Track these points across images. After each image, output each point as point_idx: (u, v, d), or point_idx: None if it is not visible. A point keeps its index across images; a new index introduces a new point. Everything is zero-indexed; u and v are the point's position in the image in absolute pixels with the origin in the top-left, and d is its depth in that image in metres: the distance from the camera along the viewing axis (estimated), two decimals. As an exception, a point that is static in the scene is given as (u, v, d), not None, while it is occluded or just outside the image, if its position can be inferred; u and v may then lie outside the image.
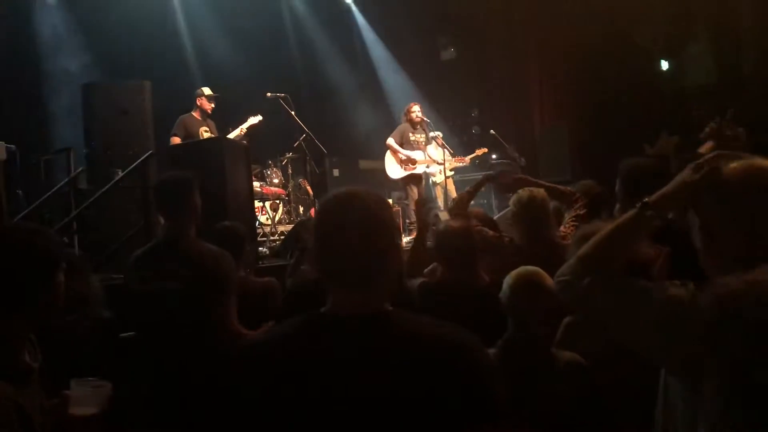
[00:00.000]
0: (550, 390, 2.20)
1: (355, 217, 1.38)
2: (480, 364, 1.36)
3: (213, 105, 7.84)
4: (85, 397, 1.94)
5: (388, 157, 8.56)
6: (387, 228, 1.43)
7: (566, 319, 2.49)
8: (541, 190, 3.56)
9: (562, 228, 3.61)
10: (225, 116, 8.26)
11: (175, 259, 2.98)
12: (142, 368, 3.05)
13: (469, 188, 4.13)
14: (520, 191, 3.56)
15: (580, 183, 3.96)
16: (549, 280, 2.40)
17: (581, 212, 3.66)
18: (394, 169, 8.56)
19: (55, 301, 1.93)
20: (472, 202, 10.32)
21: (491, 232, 3.69)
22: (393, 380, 1.29)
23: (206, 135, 7.65)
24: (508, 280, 2.43)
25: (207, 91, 7.85)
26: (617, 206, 3.39)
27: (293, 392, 1.31)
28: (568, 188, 3.85)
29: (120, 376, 2.74)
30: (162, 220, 3.49)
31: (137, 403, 3.02)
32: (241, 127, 7.99)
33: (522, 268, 2.48)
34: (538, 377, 2.23)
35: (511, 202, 3.60)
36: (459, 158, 8.86)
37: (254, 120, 8.03)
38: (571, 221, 3.61)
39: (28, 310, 1.85)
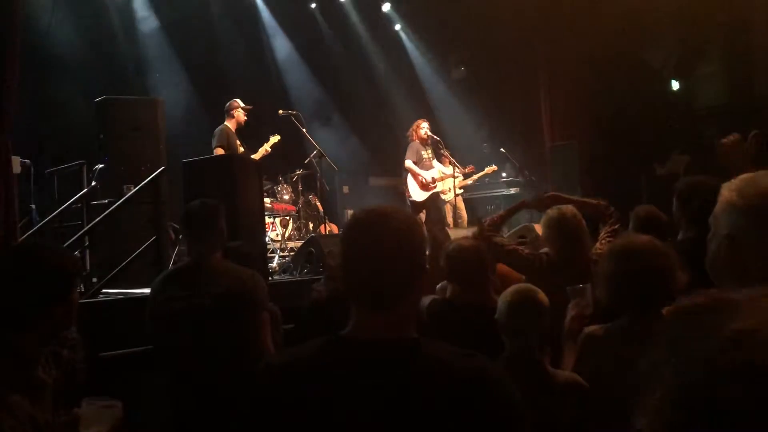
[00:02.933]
0: (548, 410, 2.19)
1: (384, 236, 1.33)
2: (509, 398, 1.31)
3: (246, 118, 7.76)
4: (96, 417, 1.95)
5: (410, 181, 8.52)
6: (416, 249, 1.38)
7: (587, 330, 2.46)
8: (571, 207, 3.49)
9: (597, 245, 3.56)
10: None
11: (204, 279, 3.03)
12: (166, 386, 3.07)
13: (502, 211, 4.07)
14: (548, 210, 3.52)
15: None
16: (544, 299, 2.41)
17: (615, 227, 3.62)
18: (417, 193, 8.50)
19: (69, 317, 1.97)
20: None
21: (527, 250, 3.67)
22: (418, 411, 1.25)
23: (241, 149, 7.61)
24: (503, 299, 2.44)
25: (242, 103, 7.73)
26: (680, 232, 3.35)
27: (314, 417, 1.28)
28: (601, 202, 3.80)
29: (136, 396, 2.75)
30: (186, 244, 3.53)
31: (160, 422, 3.04)
32: (265, 146, 7.94)
33: (517, 286, 2.49)
34: (535, 397, 2.21)
35: (541, 223, 3.56)
36: (470, 167, 8.89)
37: (275, 139, 8.00)
38: (606, 237, 3.55)
39: (45, 326, 1.89)
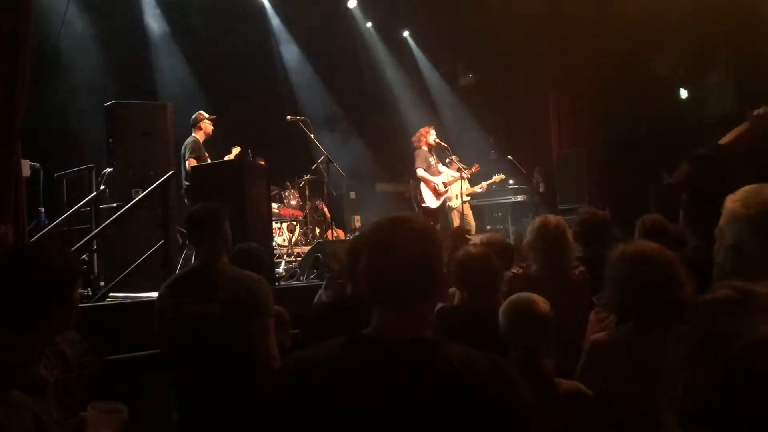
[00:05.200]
0: (550, 418, 2.18)
1: (411, 241, 1.40)
2: (524, 397, 1.37)
3: (213, 128, 7.73)
4: (101, 420, 1.96)
5: (424, 189, 8.55)
6: (436, 253, 1.45)
7: (593, 337, 2.45)
8: (558, 217, 3.51)
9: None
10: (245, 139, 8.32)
11: (210, 284, 3.03)
12: (173, 391, 3.08)
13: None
14: (537, 218, 3.53)
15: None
16: (542, 307, 2.40)
17: None
18: (431, 200, 8.55)
19: (70, 316, 1.99)
20: (488, 227, 10.25)
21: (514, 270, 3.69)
22: (439, 408, 1.30)
23: (209, 161, 7.55)
24: (502, 309, 2.44)
25: (206, 114, 7.70)
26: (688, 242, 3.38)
27: (338, 414, 1.32)
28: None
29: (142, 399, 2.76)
30: (192, 249, 3.53)
31: (166, 426, 3.05)
32: (228, 157, 7.87)
33: (516, 296, 2.48)
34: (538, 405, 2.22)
35: (528, 230, 3.57)
36: (476, 166, 8.90)
37: (236, 150, 7.97)
38: None
39: (46, 324, 1.90)
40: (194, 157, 7.32)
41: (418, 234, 1.41)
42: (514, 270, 3.63)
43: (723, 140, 4.71)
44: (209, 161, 7.51)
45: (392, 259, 1.40)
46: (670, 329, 2.25)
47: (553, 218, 3.48)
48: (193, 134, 7.57)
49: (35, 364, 1.88)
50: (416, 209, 8.64)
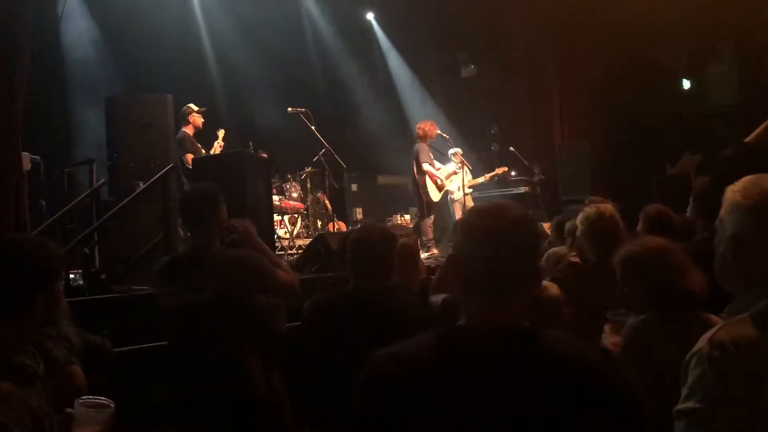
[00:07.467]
0: None
1: (510, 228, 1.38)
2: (632, 384, 1.35)
3: (203, 120, 7.66)
4: (89, 416, 1.94)
5: (428, 182, 8.56)
6: (537, 243, 1.45)
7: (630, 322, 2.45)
8: (610, 206, 3.43)
9: None
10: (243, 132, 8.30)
11: (202, 271, 2.93)
12: (170, 380, 3.06)
13: None
14: (586, 208, 3.46)
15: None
16: (552, 291, 2.39)
17: None
18: (435, 193, 8.56)
19: (55, 308, 1.97)
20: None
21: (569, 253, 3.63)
22: (541, 398, 1.29)
23: (203, 152, 7.57)
24: None
25: (195, 106, 7.62)
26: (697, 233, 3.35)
27: (444, 406, 1.30)
28: None
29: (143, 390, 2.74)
30: (185, 232, 3.47)
31: (167, 417, 3.04)
32: (217, 142, 7.88)
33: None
34: None
35: (578, 220, 3.50)
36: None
37: (221, 133, 7.92)
38: None
39: (29, 318, 1.88)
40: (190, 153, 7.28)
41: (517, 221, 1.39)
42: (572, 258, 3.57)
43: (749, 138, 4.68)
44: (203, 152, 7.51)
45: (492, 247, 1.36)
46: (694, 319, 2.26)
47: (606, 208, 3.37)
48: (182, 129, 7.48)
49: (21, 355, 1.85)
50: (418, 201, 8.63)
